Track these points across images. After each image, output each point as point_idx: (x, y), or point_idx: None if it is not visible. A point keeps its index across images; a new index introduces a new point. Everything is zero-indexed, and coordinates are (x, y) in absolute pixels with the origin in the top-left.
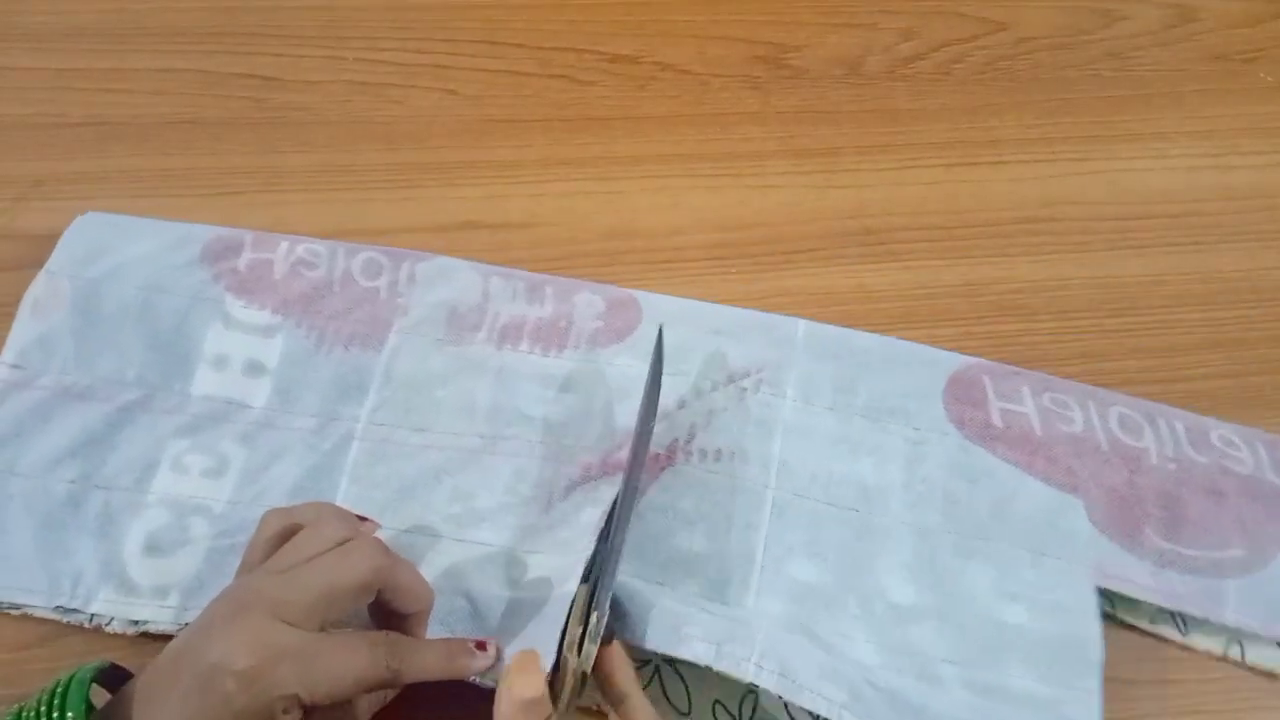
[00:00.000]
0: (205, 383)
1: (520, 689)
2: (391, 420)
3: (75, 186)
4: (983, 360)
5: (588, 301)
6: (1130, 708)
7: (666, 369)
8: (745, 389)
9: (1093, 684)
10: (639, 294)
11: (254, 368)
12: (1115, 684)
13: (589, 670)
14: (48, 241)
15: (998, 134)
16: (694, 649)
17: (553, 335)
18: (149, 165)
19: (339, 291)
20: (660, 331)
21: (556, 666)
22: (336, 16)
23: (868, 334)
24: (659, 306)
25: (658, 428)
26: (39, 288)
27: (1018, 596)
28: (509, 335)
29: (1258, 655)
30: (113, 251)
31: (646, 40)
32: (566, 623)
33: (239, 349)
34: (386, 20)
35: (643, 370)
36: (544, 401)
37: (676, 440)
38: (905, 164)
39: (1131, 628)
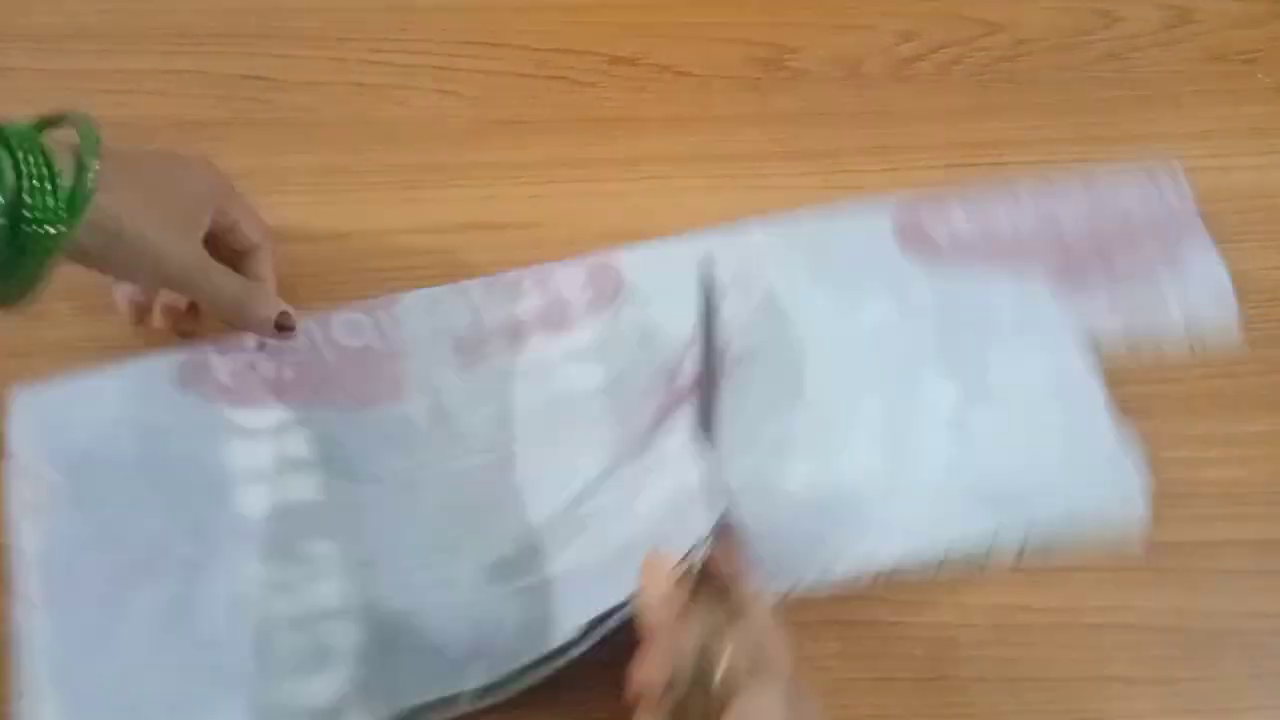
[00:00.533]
0: (252, 500)
1: (652, 587)
2: (451, 455)
3: None
4: (915, 200)
5: (568, 276)
6: (1129, 707)
7: (673, 312)
8: (742, 293)
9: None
10: (609, 254)
11: (294, 465)
12: (1115, 683)
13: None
14: None
15: (998, 134)
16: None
17: (555, 318)
18: None
19: (333, 362)
20: (705, 258)
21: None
22: (338, 18)
23: (808, 210)
24: (633, 259)
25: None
26: (24, 489)
27: (1027, 385)
28: (518, 336)
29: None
30: (79, 420)
31: (646, 42)
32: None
33: (267, 454)
34: (388, 21)
35: (647, 313)
36: (586, 376)
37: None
38: (905, 165)
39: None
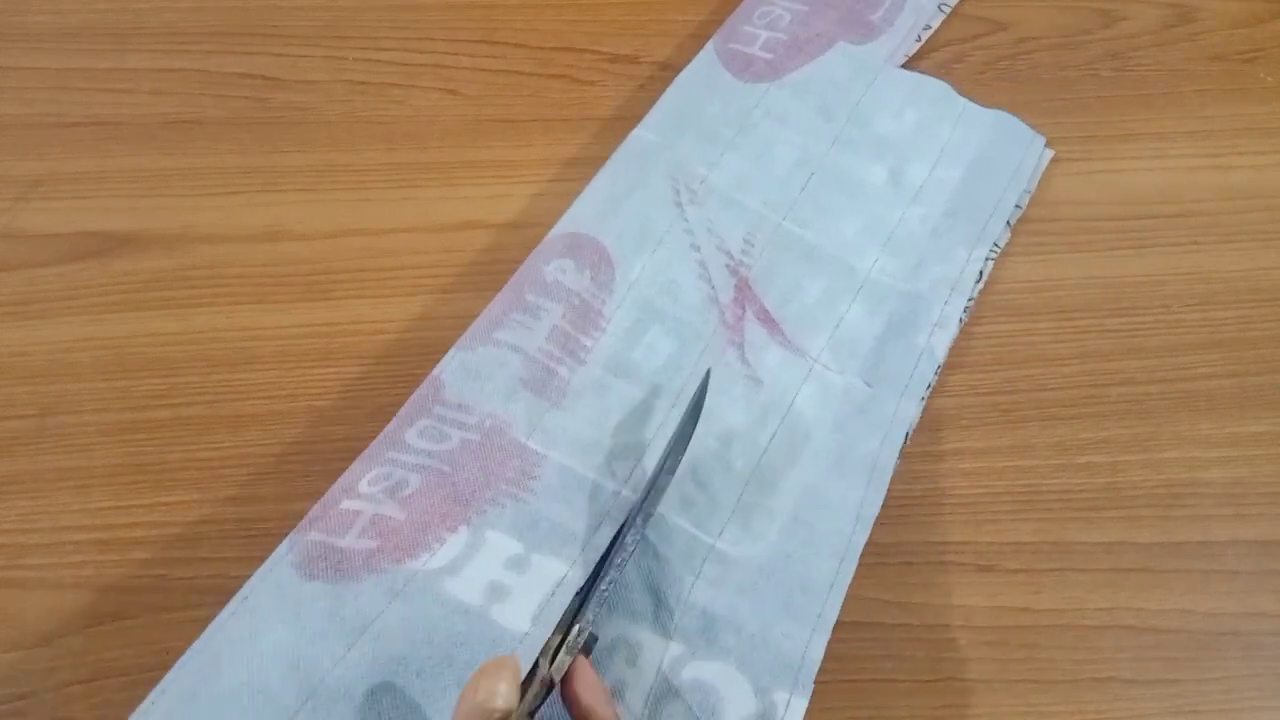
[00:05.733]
0: (510, 613)
1: (486, 695)
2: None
3: (75, 186)
4: (716, 44)
5: (559, 269)
6: (1130, 707)
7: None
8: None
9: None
10: (566, 230)
11: (513, 563)
12: (1115, 684)
13: (556, 681)
14: (48, 241)
15: None
16: None
17: (582, 315)
18: (149, 165)
19: (448, 469)
20: (708, 373)
21: (535, 668)
22: (336, 16)
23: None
24: (590, 222)
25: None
26: None
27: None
28: (568, 347)
29: None
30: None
31: (646, 40)
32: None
33: (479, 579)
34: (386, 20)
35: (653, 258)
36: (655, 351)
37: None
38: None
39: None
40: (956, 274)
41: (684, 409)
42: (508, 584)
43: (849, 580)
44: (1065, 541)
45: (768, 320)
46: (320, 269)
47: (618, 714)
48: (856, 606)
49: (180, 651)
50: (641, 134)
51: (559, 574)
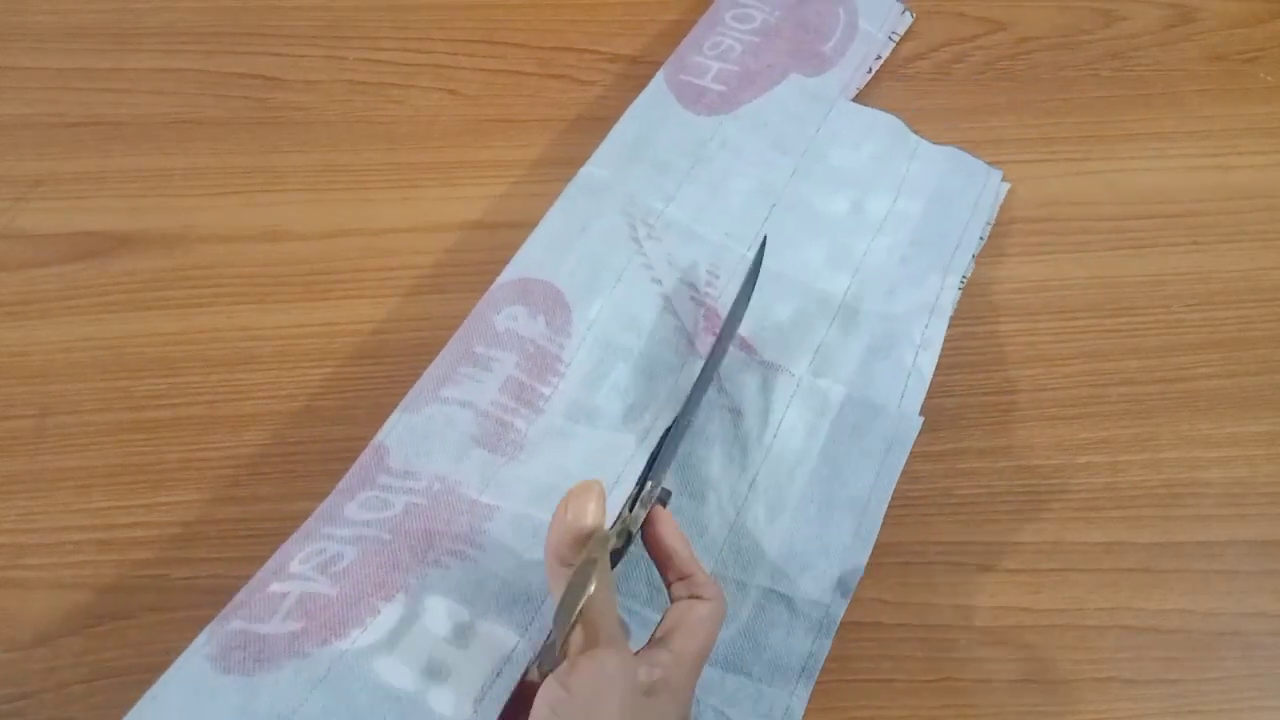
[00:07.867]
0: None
1: (576, 515)
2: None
3: (75, 186)
4: (666, 75)
5: (510, 317)
6: (1130, 708)
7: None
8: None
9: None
10: (514, 276)
11: (435, 671)
12: (1115, 684)
13: (634, 531)
14: (48, 241)
15: (998, 134)
16: None
17: (542, 366)
18: (149, 165)
19: (390, 538)
20: (764, 241)
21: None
22: (336, 16)
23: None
24: (541, 265)
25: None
26: None
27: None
28: (524, 398)
29: None
30: None
31: (646, 40)
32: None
33: (414, 661)
34: (386, 20)
35: (612, 298)
36: (619, 390)
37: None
38: None
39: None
40: (933, 298)
41: (653, 445)
42: (448, 661)
43: (823, 659)
44: (1065, 541)
45: (745, 345)
46: (320, 269)
47: (695, 556)
48: (856, 606)
49: (179, 652)
50: (591, 170)
51: (508, 646)
